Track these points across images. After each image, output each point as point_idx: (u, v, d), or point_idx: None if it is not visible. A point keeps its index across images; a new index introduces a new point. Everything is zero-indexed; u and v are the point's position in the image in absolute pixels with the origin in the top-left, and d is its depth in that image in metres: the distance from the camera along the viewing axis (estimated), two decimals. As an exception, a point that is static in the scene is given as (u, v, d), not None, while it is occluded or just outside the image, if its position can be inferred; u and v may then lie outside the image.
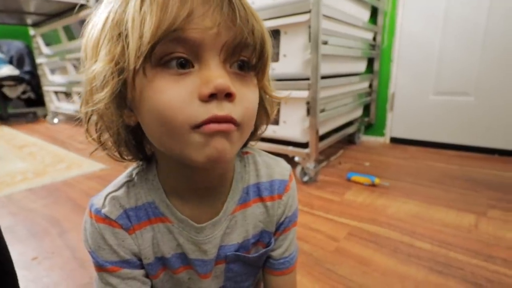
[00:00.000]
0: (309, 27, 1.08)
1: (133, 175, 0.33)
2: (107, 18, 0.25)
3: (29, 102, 3.40)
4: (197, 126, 0.24)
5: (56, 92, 2.98)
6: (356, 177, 1.21)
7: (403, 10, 1.64)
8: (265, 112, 0.33)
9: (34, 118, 3.30)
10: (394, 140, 1.80)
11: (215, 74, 0.24)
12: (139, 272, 0.33)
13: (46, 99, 3.10)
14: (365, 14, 1.59)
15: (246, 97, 0.26)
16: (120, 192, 0.32)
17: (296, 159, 1.25)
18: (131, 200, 0.32)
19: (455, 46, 1.51)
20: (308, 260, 0.73)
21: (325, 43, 1.13)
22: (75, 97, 2.62)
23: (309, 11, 1.06)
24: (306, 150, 1.21)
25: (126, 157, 0.31)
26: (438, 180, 1.21)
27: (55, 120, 3.01)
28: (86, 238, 0.31)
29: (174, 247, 0.33)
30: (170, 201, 0.32)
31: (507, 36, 1.38)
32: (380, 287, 0.64)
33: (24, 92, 3.20)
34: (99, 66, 0.24)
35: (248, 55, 0.26)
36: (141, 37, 0.22)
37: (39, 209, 1.07)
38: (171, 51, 0.23)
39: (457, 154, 1.55)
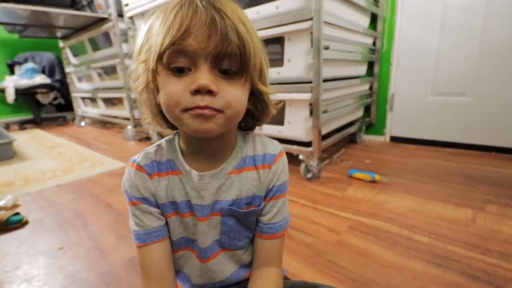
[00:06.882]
0: (311, 33, 1.06)
1: (162, 142, 0.42)
2: (143, 37, 0.35)
3: (59, 107, 3.48)
4: (186, 110, 0.32)
5: (83, 98, 3.04)
6: (357, 174, 1.19)
7: (401, 16, 1.60)
8: (265, 104, 0.40)
9: (64, 122, 3.37)
10: (394, 139, 1.76)
11: (200, 76, 0.31)
12: (155, 210, 0.39)
13: (74, 104, 3.17)
14: (365, 20, 1.56)
15: (229, 93, 0.32)
16: (152, 150, 0.41)
17: (300, 157, 1.24)
18: (157, 156, 0.40)
19: (452, 49, 1.47)
20: (310, 252, 0.72)
21: (327, 48, 1.11)
22: (100, 102, 2.67)
23: (311, 19, 1.05)
24: (310, 149, 1.19)
25: (161, 127, 0.41)
26: (436, 176, 1.18)
27: (82, 123, 3.07)
28: (124, 181, 0.40)
29: (183, 194, 0.39)
30: (184, 159, 0.39)
31: (503, 39, 1.33)
32: (379, 278, 0.62)
33: (55, 99, 3.27)
34: (137, 65, 0.36)
35: (228, 64, 0.32)
36: (155, 48, 0.31)
37: (66, 204, 1.09)
38: (175, 60, 0.31)
39: (455, 152, 1.50)
